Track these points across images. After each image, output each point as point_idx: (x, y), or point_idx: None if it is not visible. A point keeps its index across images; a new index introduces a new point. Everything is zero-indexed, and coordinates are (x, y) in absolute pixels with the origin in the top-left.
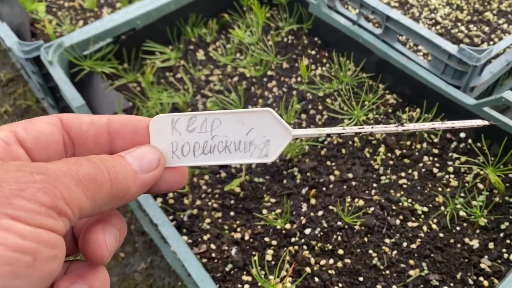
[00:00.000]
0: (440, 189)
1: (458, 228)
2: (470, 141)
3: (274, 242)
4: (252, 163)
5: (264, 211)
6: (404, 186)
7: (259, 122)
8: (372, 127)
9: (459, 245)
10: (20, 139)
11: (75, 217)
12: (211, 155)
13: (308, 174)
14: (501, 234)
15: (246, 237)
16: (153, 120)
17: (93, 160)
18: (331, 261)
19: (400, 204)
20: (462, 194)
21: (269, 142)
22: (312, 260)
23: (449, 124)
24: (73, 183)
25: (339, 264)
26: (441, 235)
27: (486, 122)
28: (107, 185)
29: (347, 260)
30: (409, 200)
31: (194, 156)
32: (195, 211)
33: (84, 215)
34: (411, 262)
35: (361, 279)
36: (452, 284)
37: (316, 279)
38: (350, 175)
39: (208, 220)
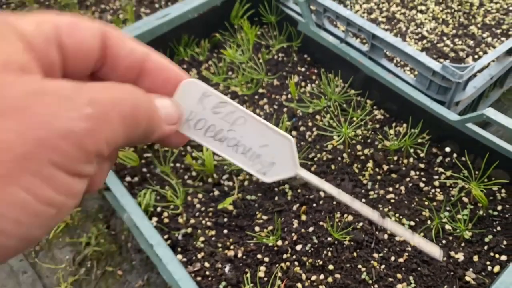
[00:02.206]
0: (426, 203)
1: (444, 241)
2: (455, 155)
3: (266, 259)
4: (249, 172)
5: (257, 228)
6: (392, 200)
7: (277, 144)
8: (361, 205)
9: (444, 259)
10: (61, 42)
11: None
12: (219, 143)
13: (299, 190)
14: (485, 247)
15: (239, 255)
16: (187, 81)
17: (135, 94)
18: (322, 276)
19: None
20: (448, 208)
21: (274, 165)
22: (303, 276)
23: (416, 240)
24: (118, 120)
25: (330, 279)
26: None
27: (441, 256)
28: (143, 125)
29: (337, 275)
30: (397, 215)
31: (204, 135)
32: (189, 230)
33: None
34: (399, 276)
35: None
36: None
37: None
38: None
39: (202, 239)
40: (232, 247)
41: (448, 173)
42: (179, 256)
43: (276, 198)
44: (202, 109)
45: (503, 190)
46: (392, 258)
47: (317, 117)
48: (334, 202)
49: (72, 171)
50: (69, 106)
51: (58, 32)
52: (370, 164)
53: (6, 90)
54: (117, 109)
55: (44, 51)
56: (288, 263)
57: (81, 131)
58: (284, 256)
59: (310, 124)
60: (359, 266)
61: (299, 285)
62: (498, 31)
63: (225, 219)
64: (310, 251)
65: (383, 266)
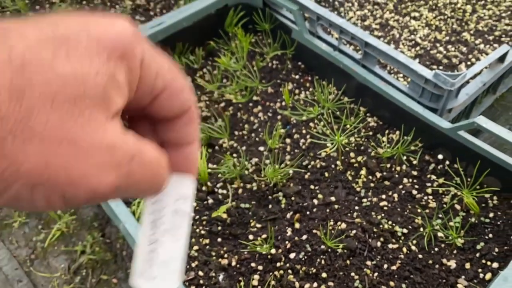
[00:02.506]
0: (419, 210)
1: (436, 249)
2: (447, 162)
3: (260, 267)
4: (135, 260)
5: (251, 237)
6: (385, 208)
7: (170, 270)
8: None
9: (437, 266)
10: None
11: None
12: (149, 226)
13: (293, 198)
14: (477, 254)
15: (233, 263)
16: (189, 179)
17: (162, 171)
18: (315, 284)
19: (381, 226)
20: (440, 215)
21: (154, 279)
22: (297, 284)
23: None
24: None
25: (323, 287)
26: (420, 256)
27: None
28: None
29: (331, 283)
30: (390, 222)
31: (150, 213)
32: None
33: None
34: (392, 283)
35: None
36: None
37: None
38: (333, 199)
39: (196, 247)
40: (226, 255)
41: (441, 180)
42: None
43: (270, 206)
44: (172, 202)
45: (494, 197)
46: (385, 266)
47: (311, 124)
48: (328, 210)
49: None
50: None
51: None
52: (363, 172)
53: (90, 131)
54: (146, 180)
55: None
56: (281, 272)
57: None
58: (278, 264)
59: (304, 131)
60: (352, 274)
61: None
62: (491, 37)
63: (219, 228)
64: (303, 259)
65: (376, 274)
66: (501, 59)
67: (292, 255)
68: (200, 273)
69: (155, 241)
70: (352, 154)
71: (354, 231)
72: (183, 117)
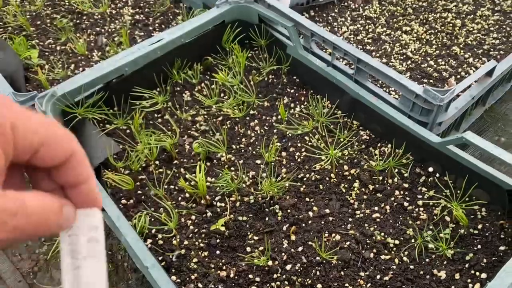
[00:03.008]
0: (410, 222)
1: (427, 260)
2: (437, 175)
3: (257, 279)
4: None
5: (248, 249)
6: (378, 220)
7: None
8: None
9: (428, 277)
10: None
11: None
12: (70, 257)
13: (289, 211)
14: (466, 265)
15: (232, 275)
16: (96, 211)
17: (51, 211)
18: None
19: (374, 237)
20: (431, 227)
21: None
22: None
23: None
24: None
25: None
26: (411, 267)
27: None
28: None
29: None
30: (382, 234)
31: (68, 244)
32: (183, 251)
33: None
34: None
35: None
36: None
37: None
38: (328, 211)
39: (195, 260)
40: (224, 267)
41: (431, 192)
42: (173, 277)
43: (267, 218)
44: (85, 233)
45: (483, 209)
46: (378, 277)
47: (306, 138)
48: (323, 222)
49: None
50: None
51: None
52: (356, 184)
53: None
54: (30, 227)
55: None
56: (278, 283)
57: None
58: (275, 276)
59: (299, 144)
60: (346, 284)
61: None
62: (480, 51)
63: (218, 240)
64: (299, 270)
65: (369, 285)
66: (489, 73)
67: (288, 267)
68: (200, 285)
69: (77, 268)
70: (345, 167)
71: (348, 243)
72: (70, 161)
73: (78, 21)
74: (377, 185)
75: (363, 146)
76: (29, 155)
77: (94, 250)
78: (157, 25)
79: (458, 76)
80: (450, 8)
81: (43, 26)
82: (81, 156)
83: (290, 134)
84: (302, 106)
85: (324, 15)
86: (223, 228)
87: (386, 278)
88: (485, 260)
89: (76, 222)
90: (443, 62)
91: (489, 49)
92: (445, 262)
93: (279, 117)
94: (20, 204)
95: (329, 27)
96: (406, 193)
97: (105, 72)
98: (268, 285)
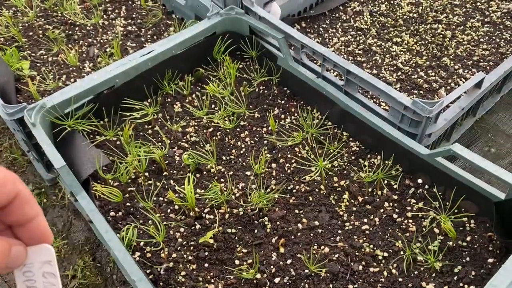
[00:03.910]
0: (399, 234)
1: (416, 272)
2: (426, 187)
3: None
4: None
5: (237, 262)
6: (367, 232)
7: None
8: None
9: None
10: None
11: None
12: None
13: (278, 223)
14: (455, 278)
15: None
16: (46, 247)
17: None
18: None
19: (363, 250)
20: (420, 239)
21: None
22: None
23: None
24: None
25: None
26: (400, 279)
27: None
28: None
29: None
30: (371, 246)
31: (23, 281)
32: (171, 264)
33: None
34: None
35: None
36: None
37: None
38: (317, 223)
39: (183, 273)
40: (212, 281)
41: (420, 204)
42: None
43: (256, 230)
44: (38, 268)
45: (472, 221)
46: None
47: (296, 149)
48: (312, 234)
49: None
50: None
51: None
52: (346, 196)
53: None
54: None
55: None
56: None
57: None
58: None
59: (289, 156)
60: None
61: None
62: (469, 62)
63: (206, 253)
64: (288, 283)
65: None
66: (478, 85)
67: (276, 280)
68: None
69: None
70: (335, 178)
71: (337, 255)
72: (14, 202)
73: (70, 32)
74: (366, 197)
75: (353, 158)
76: None
77: (50, 283)
78: (149, 36)
79: (448, 87)
80: (441, 19)
81: (35, 37)
82: (26, 196)
83: (280, 145)
84: (293, 117)
85: (315, 26)
86: (211, 241)
87: None
88: (473, 273)
89: (29, 259)
90: (433, 73)
91: (479, 60)
92: (433, 275)
93: (270, 128)
94: None
95: (320, 38)
96: (395, 204)
97: (95, 84)
98: None
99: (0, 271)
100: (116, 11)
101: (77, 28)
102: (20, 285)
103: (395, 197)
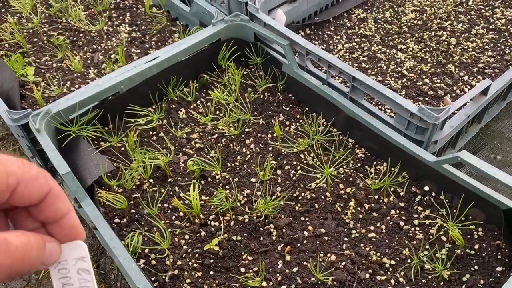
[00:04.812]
0: (406, 242)
1: (423, 280)
2: (433, 194)
3: None
4: None
5: (242, 269)
6: (373, 239)
7: None
8: None
9: None
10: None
11: None
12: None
13: (284, 230)
14: (463, 286)
15: None
16: (79, 243)
17: (31, 254)
18: None
19: (370, 257)
20: (427, 247)
21: None
22: None
23: None
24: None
25: None
26: None
27: None
28: (26, 270)
29: None
30: (378, 254)
31: (59, 279)
32: (176, 272)
33: None
34: None
35: None
36: None
37: None
38: (323, 230)
39: (188, 281)
40: None
41: (427, 212)
42: None
43: (261, 238)
44: (73, 264)
45: (480, 229)
46: None
47: (301, 156)
48: (318, 242)
49: None
50: None
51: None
52: (352, 203)
53: None
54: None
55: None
56: None
57: None
58: None
59: (294, 162)
60: None
61: None
62: (475, 69)
63: (211, 260)
64: None
65: None
66: (484, 92)
67: None
68: None
69: None
70: (341, 186)
71: (343, 263)
72: (47, 198)
73: (75, 39)
74: (372, 204)
75: (359, 165)
76: (7, 196)
77: (85, 280)
78: (153, 42)
79: (454, 94)
80: (445, 26)
81: (40, 44)
82: (58, 191)
83: (285, 152)
84: (298, 123)
85: (320, 33)
86: (217, 248)
87: None
88: (482, 282)
89: (63, 256)
90: (438, 80)
91: (484, 67)
92: (441, 283)
93: (274, 134)
94: (3, 242)
95: (325, 45)
96: (402, 212)
97: (100, 90)
98: None
99: (36, 267)
100: (121, 17)
101: (81, 35)
102: (55, 282)
103: (402, 204)
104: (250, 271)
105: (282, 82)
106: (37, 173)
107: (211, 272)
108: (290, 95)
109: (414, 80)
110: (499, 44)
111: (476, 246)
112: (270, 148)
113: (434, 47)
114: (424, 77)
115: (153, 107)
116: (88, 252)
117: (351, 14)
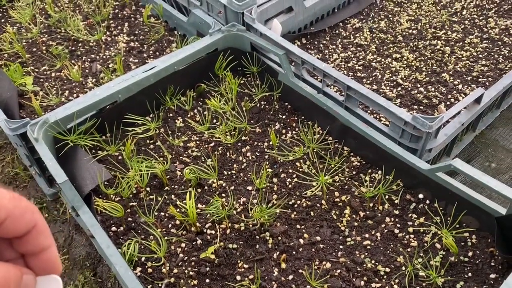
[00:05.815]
0: (401, 249)
1: (418, 287)
2: (428, 202)
3: None
4: None
5: (238, 277)
6: (368, 247)
7: None
8: None
9: None
10: None
11: None
12: None
13: (279, 238)
14: None
15: None
16: (54, 277)
17: (9, 279)
18: None
19: (365, 265)
20: (421, 254)
21: None
22: None
23: None
24: None
25: None
26: None
27: None
28: None
29: None
30: (373, 261)
31: None
32: (172, 280)
33: None
34: None
35: None
36: None
37: None
38: (318, 238)
39: None
40: None
41: (421, 219)
42: None
43: (257, 246)
44: None
45: (473, 236)
46: None
47: (297, 164)
48: (313, 250)
49: None
50: None
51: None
52: (347, 211)
53: None
54: None
55: None
56: None
57: None
58: None
59: (290, 171)
60: None
61: None
62: (469, 78)
63: (207, 268)
64: None
65: None
66: (478, 100)
67: None
68: None
69: None
70: (336, 193)
71: (338, 271)
72: (31, 232)
73: (73, 48)
74: (368, 212)
75: (354, 173)
76: None
77: None
78: (151, 52)
79: (448, 103)
80: (440, 35)
81: (39, 53)
82: (43, 226)
83: (281, 160)
84: (294, 132)
85: (316, 42)
86: (213, 256)
87: None
88: None
89: (40, 285)
90: (433, 89)
91: (478, 76)
92: None
93: (271, 143)
94: None
95: (321, 55)
96: (396, 220)
97: (98, 99)
98: None
99: None
100: (119, 27)
101: (80, 44)
102: None
103: (396, 212)
104: (246, 279)
105: (278, 91)
106: (25, 208)
107: (207, 280)
108: (286, 103)
109: (409, 88)
110: (492, 53)
111: (470, 254)
112: (266, 156)
113: (429, 56)
114: (418, 85)
115: (151, 116)
116: (62, 286)
117: (347, 24)
